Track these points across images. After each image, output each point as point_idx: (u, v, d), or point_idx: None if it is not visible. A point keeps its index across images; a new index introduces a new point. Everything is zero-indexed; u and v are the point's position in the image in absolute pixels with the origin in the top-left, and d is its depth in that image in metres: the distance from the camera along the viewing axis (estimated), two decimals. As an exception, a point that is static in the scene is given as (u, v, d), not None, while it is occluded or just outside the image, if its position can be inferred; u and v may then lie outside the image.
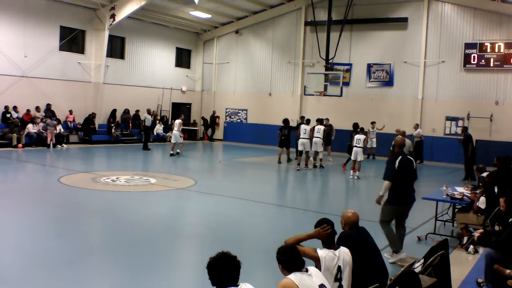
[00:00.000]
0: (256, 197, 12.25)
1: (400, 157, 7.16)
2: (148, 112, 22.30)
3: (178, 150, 19.41)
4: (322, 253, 4.26)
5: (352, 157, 15.92)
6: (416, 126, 21.11)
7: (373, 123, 21.86)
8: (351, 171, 16.00)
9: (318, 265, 4.17)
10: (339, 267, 4.24)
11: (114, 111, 24.10)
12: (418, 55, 22.62)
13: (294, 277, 3.58)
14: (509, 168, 10.20)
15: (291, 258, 3.71)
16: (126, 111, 24.92)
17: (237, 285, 3.23)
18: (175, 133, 19.28)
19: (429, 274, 5.11)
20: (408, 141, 13.94)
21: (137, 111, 25.26)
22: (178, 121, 19.56)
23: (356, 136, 16.14)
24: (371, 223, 6.97)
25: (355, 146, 15.84)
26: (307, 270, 3.72)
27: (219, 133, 28.74)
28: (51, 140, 20.31)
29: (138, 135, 24.43)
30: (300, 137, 17.21)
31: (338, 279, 4.23)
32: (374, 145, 21.72)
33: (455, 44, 21.88)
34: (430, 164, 20.87)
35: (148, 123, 21.61)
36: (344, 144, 20.25)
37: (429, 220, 9.49)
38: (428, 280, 4.95)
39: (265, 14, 26.67)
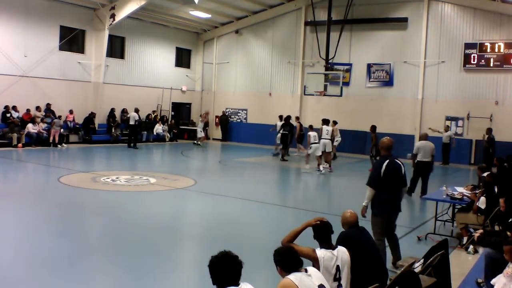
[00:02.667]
0: (256, 197, 12.25)
1: (387, 160, 6.36)
2: (136, 111, 22.17)
3: (199, 142, 24.57)
4: (321, 253, 4.27)
5: (320, 148, 15.99)
6: (447, 128, 20.90)
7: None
8: (320, 166, 16.20)
9: (316, 265, 4.17)
10: (337, 266, 4.26)
11: (112, 110, 24.10)
12: (418, 55, 22.62)
13: (293, 277, 3.59)
14: (507, 168, 10.22)
15: (288, 259, 3.71)
16: (125, 111, 24.91)
17: (238, 285, 3.21)
18: (197, 129, 25.04)
19: (429, 274, 5.12)
20: (430, 145, 12.56)
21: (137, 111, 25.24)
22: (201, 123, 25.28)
23: (325, 127, 16.31)
24: (369, 223, 6.96)
25: (323, 138, 16.02)
26: (306, 270, 3.73)
27: (218, 133, 28.73)
28: (54, 139, 20.37)
29: (138, 135, 24.42)
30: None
31: (337, 278, 4.24)
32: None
33: (455, 44, 21.88)
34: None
35: (132, 121, 21.87)
36: (348, 145, 20.51)
37: (429, 220, 9.50)
38: (428, 280, 4.95)
39: (265, 14, 26.66)
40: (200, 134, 24.68)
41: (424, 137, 12.94)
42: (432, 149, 12.47)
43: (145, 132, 24.82)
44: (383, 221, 6.51)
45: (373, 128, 17.47)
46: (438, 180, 15.74)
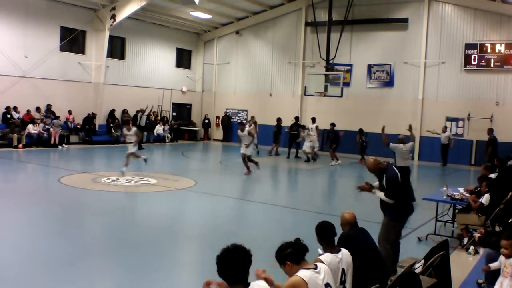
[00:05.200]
0: (257, 197, 12.26)
1: (395, 169, 6.29)
2: (142, 111, 22.28)
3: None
4: (326, 258, 4.20)
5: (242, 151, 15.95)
6: (445, 129, 20.69)
7: (313, 119, 20.88)
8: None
9: None
10: (343, 270, 4.24)
11: (112, 111, 24.12)
12: (418, 56, 22.62)
13: (303, 274, 3.57)
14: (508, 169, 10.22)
15: (296, 249, 3.69)
16: (125, 111, 24.91)
17: (248, 284, 3.12)
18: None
19: (429, 275, 5.12)
20: (407, 147, 11.72)
21: (137, 111, 25.23)
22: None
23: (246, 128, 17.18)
24: (369, 223, 6.95)
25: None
26: (316, 267, 3.71)
27: (219, 134, 28.75)
28: (55, 140, 20.39)
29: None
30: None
31: (342, 281, 4.23)
32: (316, 145, 20.05)
33: (455, 45, 21.87)
34: (431, 165, 20.85)
35: (142, 122, 22.18)
36: (349, 145, 20.74)
37: (430, 221, 9.48)
38: (428, 280, 4.95)
39: (265, 14, 26.67)
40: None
41: (404, 140, 11.81)
42: (408, 152, 11.75)
43: (145, 132, 24.80)
44: (400, 227, 6.41)
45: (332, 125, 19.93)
46: (438, 180, 15.75)
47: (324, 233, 4.41)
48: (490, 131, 19.04)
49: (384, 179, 6.23)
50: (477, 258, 6.89)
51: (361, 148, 20.32)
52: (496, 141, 18.77)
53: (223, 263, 3.12)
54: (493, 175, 9.06)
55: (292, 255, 3.68)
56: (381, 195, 6.26)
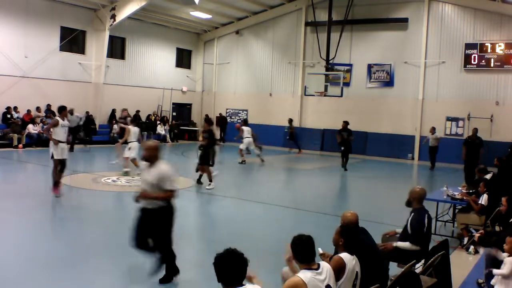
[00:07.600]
0: (256, 197, 12.25)
1: (426, 214, 5.91)
2: (71, 112, 18.47)
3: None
4: (345, 256, 4.23)
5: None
6: (433, 130, 20.01)
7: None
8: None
9: (342, 271, 4.10)
10: (356, 273, 4.25)
11: (113, 111, 24.11)
12: (418, 56, 22.61)
13: (303, 275, 3.60)
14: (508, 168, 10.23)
15: (302, 249, 3.73)
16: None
17: (243, 285, 3.20)
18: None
19: (429, 275, 5.12)
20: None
21: (138, 111, 25.24)
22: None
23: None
24: (370, 223, 6.96)
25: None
26: (318, 267, 3.72)
27: (219, 134, 28.71)
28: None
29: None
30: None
31: (354, 285, 4.25)
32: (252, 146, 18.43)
33: (455, 45, 21.86)
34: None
35: (72, 123, 17.91)
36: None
37: (430, 221, 9.48)
38: (428, 280, 4.96)
39: (265, 14, 26.67)
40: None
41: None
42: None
43: (146, 132, 24.79)
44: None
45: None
46: (437, 180, 15.74)
47: (348, 234, 4.39)
48: (476, 131, 17.95)
49: None
50: (477, 258, 6.89)
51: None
52: (476, 143, 18.06)
53: (216, 268, 3.23)
54: (487, 176, 9.07)
55: (296, 253, 3.75)
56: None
